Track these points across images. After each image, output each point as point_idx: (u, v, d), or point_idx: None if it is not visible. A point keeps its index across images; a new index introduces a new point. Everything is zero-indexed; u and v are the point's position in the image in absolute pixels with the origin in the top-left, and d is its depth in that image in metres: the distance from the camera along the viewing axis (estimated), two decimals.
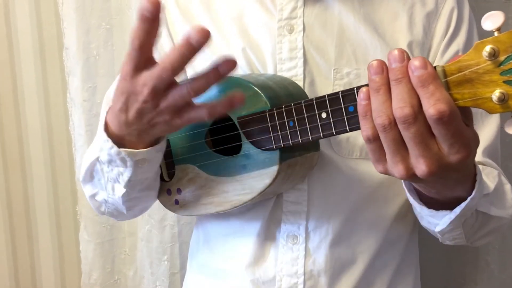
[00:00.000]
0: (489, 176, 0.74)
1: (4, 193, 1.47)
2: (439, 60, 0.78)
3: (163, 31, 0.85)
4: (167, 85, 0.57)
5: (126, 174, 0.70)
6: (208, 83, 0.57)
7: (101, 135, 0.67)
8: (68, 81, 1.28)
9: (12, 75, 1.41)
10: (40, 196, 1.47)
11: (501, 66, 0.47)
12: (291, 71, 0.75)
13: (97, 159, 0.73)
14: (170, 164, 0.78)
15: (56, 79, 1.40)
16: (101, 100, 1.25)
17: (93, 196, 0.80)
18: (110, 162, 0.69)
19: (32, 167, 1.46)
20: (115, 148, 0.66)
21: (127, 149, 0.66)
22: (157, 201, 0.82)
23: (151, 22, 0.53)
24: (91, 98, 1.25)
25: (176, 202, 0.78)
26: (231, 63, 0.55)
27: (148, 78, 0.56)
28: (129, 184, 0.71)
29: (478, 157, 0.77)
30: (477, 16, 0.81)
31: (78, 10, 1.21)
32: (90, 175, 0.77)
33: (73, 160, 1.36)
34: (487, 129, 0.78)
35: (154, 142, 0.68)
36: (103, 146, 0.67)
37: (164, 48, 0.85)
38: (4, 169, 1.46)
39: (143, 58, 0.56)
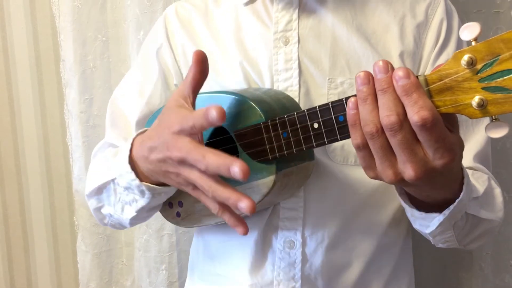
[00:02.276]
0: (479, 180, 0.75)
1: (0, 205, 1.47)
2: (430, 69, 0.79)
3: (163, 42, 0.87)
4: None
5: (141, 203, 0.72)
6: (227, 200, 0.56)
7: (124, 164, 0.68)
8: (65, 93, 1.29)
9: (8, 87, 1.42)
10: (36, 208, 1.47)
11: (479, 74, 0.49)
12: (287, 81, 0.77)
13: (113, 180, 0.75)
14: None
15: (52, 91, 1.41)
16: (98, 111, 1.26)
17: (98, 208, 0.81)
18: (127, 188, 0.71)
19: (29, 178, 1.46)
20: (137, 181, 0.68)
21: (149, 185, 0.68)
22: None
23: (210, 125, 0.55)
24: (88, 110, 1.27)
25: (178, 214, 0.79)
26: (251, 207, 0.55)
27: (184, 149, 0.57)
28: (141, 209, 0.73)
29: (469, 162, 0.78)
30: None
31: (74, 23, 1.23)
32: (99, 190, 0.79)
33: (70, 171, 1.37)
34: (477, 135, 0.80)
35: None
36: (124, 175, 0.69)
37: (165, 58, 0.87)
38: (0, 181, 1.46)
39: (190, 133, 0.58)
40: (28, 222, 1.48)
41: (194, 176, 0.58)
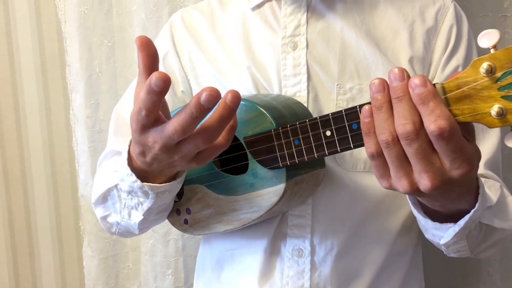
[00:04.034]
0: (492, 188, 0.74)
1: (5, 210, 1.47)
2: (439, 75, 0.79)
3: (169, 49, 0.87)
4: (177, 141, 0.56)
5: (147, 204, 0.71)
6: (220, 128, 0.55)
7: (123, 168, 0.67)
8: (71, 98, 1.29)
9: (14, 92, 1.42)
10: (42, 213, 1.47)
11: (499, 82, 0.48)
12: (295, 87, 0.77)
13: (116, 186, 0.74)
14: None
15: (58, 96, 1.41)
16: (104, 116, 1.26)
17: (104, 217, 0.81)
18: (130, 192, 0.70)
19: (34, 183, 1.46)
20: (139, 182, 0.66)
21: (150, 184, 0.67)
22: None
23: (159, 95, 0.52)
24: (94, 115, 1.27)
25: (186, 221, 0.79)
26: (236, 98, 0.53)
27: (157, 137, 0.56)
28: (147, 211, 0.72)
29: (480, 169, 0.77)
30: (474, 31, 0.83)
31: (80, 28, 1.23)
32: (104, 198, 0.78)
33: (75, 176, 1.37)
34: (488, 142, 0.79)
35: (175, 174, 0.68)
36: (125, 178, 0.68)
37: (171, 65, 0.86)
38: (5, 186, 1.46)
39: (149, 122, 0.56)
40: (33, 226, 1.48)
41: (184, 147, 0.57)
